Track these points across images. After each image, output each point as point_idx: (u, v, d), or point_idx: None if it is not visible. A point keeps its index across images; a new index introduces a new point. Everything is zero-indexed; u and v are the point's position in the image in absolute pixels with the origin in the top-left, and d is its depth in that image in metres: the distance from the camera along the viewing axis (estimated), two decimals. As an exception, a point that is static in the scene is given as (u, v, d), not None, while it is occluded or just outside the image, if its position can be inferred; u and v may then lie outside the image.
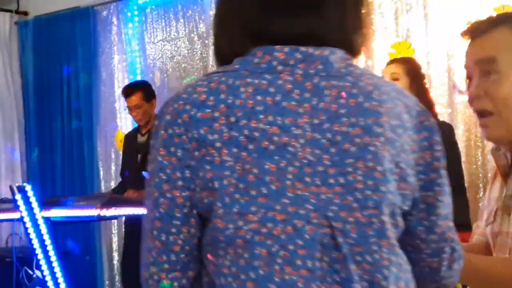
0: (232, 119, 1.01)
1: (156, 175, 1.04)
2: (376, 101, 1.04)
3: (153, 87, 5.23)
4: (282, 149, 1.00)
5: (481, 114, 1.39)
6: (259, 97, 1.02)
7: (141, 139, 4.72)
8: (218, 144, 1.00)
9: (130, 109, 4.66)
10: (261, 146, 1.00)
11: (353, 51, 1.09)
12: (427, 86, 3.25)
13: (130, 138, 4.84)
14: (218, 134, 1.00)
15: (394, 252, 1.03)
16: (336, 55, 1.05)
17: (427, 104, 3.17)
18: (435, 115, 3.20)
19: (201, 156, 1.01)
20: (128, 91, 4.67)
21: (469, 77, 1.42)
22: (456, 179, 3.04)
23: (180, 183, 1.02)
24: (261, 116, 1.01)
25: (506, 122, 1.36)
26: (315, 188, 1.00)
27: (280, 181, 0.99)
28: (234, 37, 1.08)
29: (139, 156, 4.61)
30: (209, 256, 1.03)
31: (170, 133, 1.03)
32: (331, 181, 1.00)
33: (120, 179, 4.88)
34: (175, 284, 1.03)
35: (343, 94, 1.03)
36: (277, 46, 1.05)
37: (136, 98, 4.60)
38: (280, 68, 1.04)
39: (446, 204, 1.13)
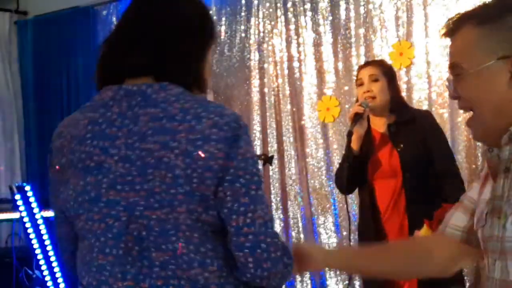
0: (72, 145, 1.39)
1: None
2: (177, 121, 1.32)
3: (153, 87, 5.26)
4: (100, 166, 1.35)
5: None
6: (89, 127, 1.38)
7: None
8: (66, 166, 1.40)
9: None
10: (85, 164, 1.36)
11: (182, 83, 1.38)
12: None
13: None
14: (65, 158, 1.40)
15: (192, 241, 1.32)
16: (154, 88, 1.36)
17: (403, 101, 3.26)
18: (410, 109, 3.26)
19: (62, 175, 1.41)
20: None
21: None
22: (446, 161, 3.04)
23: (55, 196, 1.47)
24: (88, 142, 1.37)
25: (480, 120, 1.39)
26: (125, 193, 1.33)
27: (96, 190, 1.35)
28: (97, 74, 1.44)
29: None
30: None
31: (49, 159, 1.47)
32: (137, 187, 1.32)
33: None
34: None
35: (153, 118, 1.33)
36: (108, 86, 1.39)
37: None
38: (111, 103, 1.38)
39: (244, 203, 1.32)
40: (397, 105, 3.11)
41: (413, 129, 3.04)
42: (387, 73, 3.14)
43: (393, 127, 3.07)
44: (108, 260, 1.35)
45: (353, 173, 3.04)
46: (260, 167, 4.61)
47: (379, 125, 3.13)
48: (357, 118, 3.01)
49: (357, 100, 3.18)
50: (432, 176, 2.99)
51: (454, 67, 1.43)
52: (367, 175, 3.08)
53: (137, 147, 1.33)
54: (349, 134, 3.02)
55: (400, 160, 2.99)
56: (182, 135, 1.31)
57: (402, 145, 3.01)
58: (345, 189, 3.16)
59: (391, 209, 3.04)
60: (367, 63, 3.33)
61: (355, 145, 3.03)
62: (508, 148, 1.34)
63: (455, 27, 1.41)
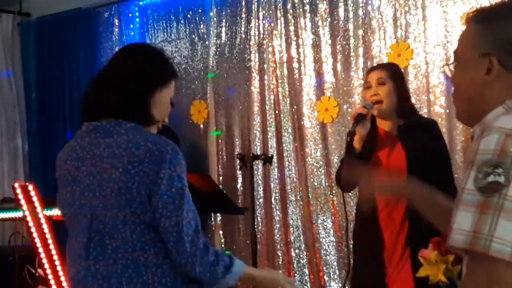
0: (61, 164, 2.01)
1: None
2: (123, 149, 1.87)
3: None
4: (75, 179, 1.95)
5: None
6: (70, 152, 1.99)
7: None
8: (59, 179, 2.02)
9: None
10: (66, 178, 1.97)
11: (132, 120, 1.93)
12: (409, 89, 3.35)
13: None
14: (58, 173, 2.02)
15: (135, 232, 1.86)
16: (111, 124, 1.92)
17: (411, 106, 3.23)
18: (417, 115, 3.26)
19: (58, 185, 2.03)
20: None
21: None
22: (447, 174, 3.07)
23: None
24: (68, 163, 1.97)
25: (457, 104, 1.57)
26: (89, 198, 1.91)
27: (72, 196, 1.95)
28: (81, 110, 2.06)
29: None
30: None
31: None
32: (97, 194, 1.89)
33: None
34: None
35: (107, 146, 1.89)
36: (85, 122, 1.98)
37: None
38: (84, 134, 1.97)
39: (171, 210, 1.84)
40: (405, 110, 3.10)
41: (422, 134, 3.03)
42: (395, 76, 3.13)
43: (403, 128, 3.07)
44: (78, 245, 1.93)
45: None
46: (260, 167, 4.65)
47: (386, 125, 3.12)
48: (359, 119, 3.00)
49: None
50: (433, 184, 2.96)
51: (454, 54, 1.60)
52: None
53: (98, 165, 1.90)
54: (349, 134, 3.01)
55: (408, 161, 2.99)
56: (125, 158, 1.86)
57: (411, 147, 3.01)
58: (346, 188, 3.18)
59: (390, 207, 3.02)
60: (376, 67, 3.33)
61: (357, 144, 3.03)
62: (475, 142, 1.38)
63: (467, 19, 1.55)
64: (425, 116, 4.05)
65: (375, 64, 3.73)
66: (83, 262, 1.91)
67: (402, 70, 4.09)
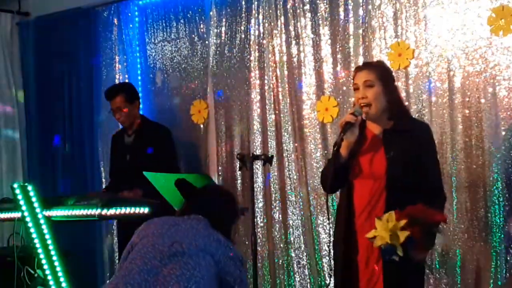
0: None
1: None
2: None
3: (154, 88, 5.27)
4: None
5: None
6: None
7: (127, 139, 4.74)
8: None
9: (113, 111, 4.70)
10: None
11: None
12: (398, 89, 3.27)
13: (117, 139, 4.87)
14: None
15: None
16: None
17: (402, 107, 3.13)
18: (408, 118, 3.14)
19: None
20: (109, 94, 4.71)
21: None
22: (436, 180, 3.03)
23: None
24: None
25: None
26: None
27: None
28: None
29: (127, 156, 4.63)
30: None
31: None
32: None
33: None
34: None
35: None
36: None
37: (117, 101, 4.63)
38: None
39: None
40: (395, 112, 3.02)
41: (409, 139, 2.96)
42: (383, 77, 3.03)
43: (388, 133, 3.00)
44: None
45: (338, 175, 3.01)
46: (260, 167, 4.64)
47: (375, 128, 3.06)
48: (347, 127, 2.94)
49: (354, 104, 3.11)
50: (416, 190, 2.91)
51: None
52: (351, 175, 3.03)
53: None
54: (336, 144, 2.97)
55: (387, 167, 2.93)
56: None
57: (393, 153, 2.95)
58: (329, 190, 3.21)
59: (367, 212, 2.97)
60: (363, 66, 3.19)
61: (344, 152, 2.98)
62: None
63: None
64: (425, 116, 4.04)
65: (362, 63, 3.64)
66: None
67: (403, 69, 4.10)
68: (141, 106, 4.86)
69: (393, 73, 3.27)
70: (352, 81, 4.33)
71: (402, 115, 3.07)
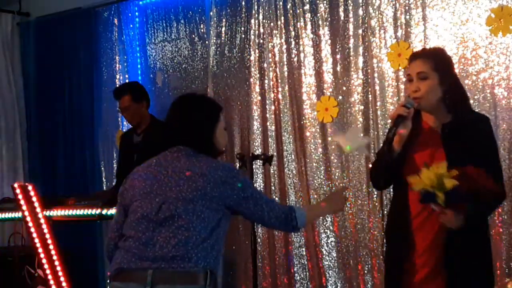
0: (141, 167, 2.71)
1: None
2: (203, 162, 2.56)
3: (154, 88, 5.27)
4: (155, 177, 2.59)
5: None
6: (153, 161, 2.68)
7: (136, 139, 4.75)
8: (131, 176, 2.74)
9: (121, 110, 4.73)
10: (148, 177, 2.63)
11: (198, 148, 2.61)
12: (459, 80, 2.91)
13: (126, 138, 4.87)
14: (136, 174, 2.71)
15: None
16: (189, 149, 2.62)
17: (461, 98, 2.81)
18: (468, 110, 2.83)
19: None
20: (116, 93, 4.72)
21: None
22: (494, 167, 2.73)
23: None
24: (152, 167, 2.64)
25: None
26: (165, 191, 2.56)
27: (150, 187, 2.59)
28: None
29: (135, 156, 4.64)
30: None
31: None
32: (173, 189, 2.56)
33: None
34: None
35: (188, 161, 2.58)
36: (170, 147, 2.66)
37: (124, 100, 4.64)
38: (168, 153, 2.65)
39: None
40: (453, 105, 2.73)
41: (469, 134, 2.69)
42: (439, 67, 2.73)
43: (447, 128, 2.73)
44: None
45: (391, 170, 2.76)
46: (260, 166, 4.64)
47: (431, 120, 2.78)
48: (399, 120, 2.68)
49: (408, 96, 2.79)
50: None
51: None
52: (404, 171, 2.72)
53: (177, 171, 2.58)
54: (387, 140, 2.72)
55: (448, 167, 2.58)
56: (204, 167, 2.58)
57: (453, 152, 2.67)
58: (382, 187, 3.04)
59: (425, 216, 2.69)
60: (418, 55, 2.85)
61: (397, 145, 2.71)
62: None
63: None
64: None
65: (417, 50, 3.35)
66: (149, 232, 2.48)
67: (402, 70, 4.10)
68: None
69: (452, 60, 2.92)
70: (352, 81, 4.39)
71: (462, 107, 2.77)
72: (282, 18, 4.61)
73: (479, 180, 2.57)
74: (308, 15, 4.51)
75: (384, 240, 3.09)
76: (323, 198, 2.87)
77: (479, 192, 2.57)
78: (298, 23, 4.55)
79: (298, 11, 4.54)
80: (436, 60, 2.74)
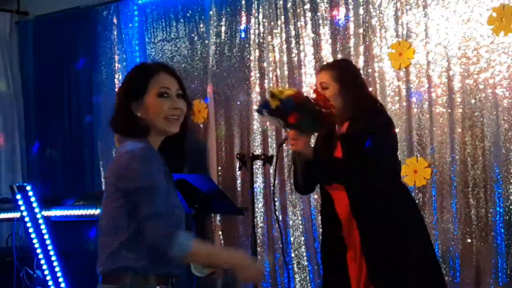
0: None
1: None
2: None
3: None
4: None
5: None
6: None
7: None
8: None
9: None
10: None
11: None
12: (363, 87, 3.07)
13: None
14: None
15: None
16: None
17: (362, 106, 2.91)
18: (367, 117, 2.89)
19: None
20: None
21: None
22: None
23: None
24: None
25: None
26: None
27: None
28: None
29: None
30: None
31: None
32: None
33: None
34: None
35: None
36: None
37: None
38: None
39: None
40: (352, 113, 2.88)
41: (359, 140, 2.80)
42: (341, 77, 2.90)
43: (343, 137, 2.90)
44: None
45: (307, 178, 3.02)
46: (260, 167, 4.63)
47: (339, 129, 2.97)
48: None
49: None
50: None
51: None
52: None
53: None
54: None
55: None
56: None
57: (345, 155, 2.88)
58: (302, 192, 3.31)
59: (348, 222, 2.94)
60: (322, 68, 3.09)
61: (305, 150, 2.89)
62: None
63: None
64: (426, 116, 4.02)
65: (324, 64, 3.58)
66: None
67: (403, 69, 4.08)
68: None
69: (357, 71, 3.15)
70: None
71: (360, 115, 2.88)
72: (282, 17, 4.60)
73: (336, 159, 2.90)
74: (308, 14, 4.49)
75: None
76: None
77: (314, 111, 2.77)
78: (298, 22, 4.53)
79: (298, 10, 4.53)
80: (337, 72, 2.93)
